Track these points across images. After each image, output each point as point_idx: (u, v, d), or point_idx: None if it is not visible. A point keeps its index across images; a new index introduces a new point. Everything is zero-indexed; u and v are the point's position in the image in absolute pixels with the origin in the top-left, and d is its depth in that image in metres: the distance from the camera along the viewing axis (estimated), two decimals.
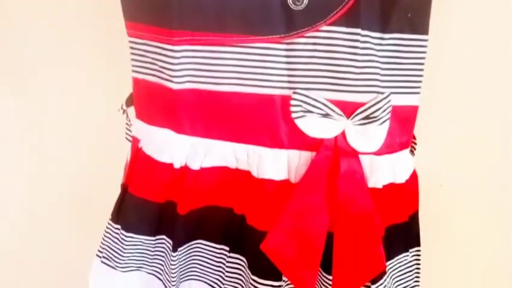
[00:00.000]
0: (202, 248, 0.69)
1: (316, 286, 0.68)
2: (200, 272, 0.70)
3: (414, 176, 0.70)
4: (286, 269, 0.62)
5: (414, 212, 0.72)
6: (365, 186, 0.63)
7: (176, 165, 0.64)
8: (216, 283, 0.70)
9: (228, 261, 0.68)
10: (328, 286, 0.66)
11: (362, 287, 0.65)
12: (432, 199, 0.87)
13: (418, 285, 0.74)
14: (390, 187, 0.66)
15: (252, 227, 0.64)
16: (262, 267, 0.64)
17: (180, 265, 0.68)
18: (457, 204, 0.92)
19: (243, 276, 0.67)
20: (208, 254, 0.69)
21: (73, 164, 0.99)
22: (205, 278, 0.70)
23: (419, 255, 0.74)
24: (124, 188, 0.69)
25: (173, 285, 0.68)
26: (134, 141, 0.70)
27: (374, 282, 0.65)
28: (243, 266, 0.67)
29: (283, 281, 0.66)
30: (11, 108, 0.97)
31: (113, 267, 0.70)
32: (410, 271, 0.73)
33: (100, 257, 0.71)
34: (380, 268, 0.64)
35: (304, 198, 0.62)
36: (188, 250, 0.69)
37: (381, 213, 0.65)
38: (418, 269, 0.74)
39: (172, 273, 0.67)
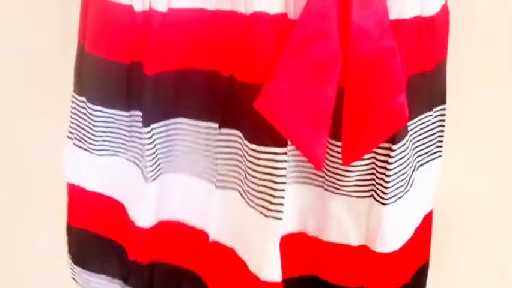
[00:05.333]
0: (184, 129, 0.58)
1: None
2: (184, 161, 0.60)
3: (445, 10, 0.60)
4: (288, 131, 0.52)
5: (443, 59, 0.62)
6: (386, 19, 0.51)
7: (137, 7, 0.53)
8: (206, 172, 0.59)
9: (218, 140, 0.57)
10: (337, 155, 0.57)
11: (381, 150, 0.57)
12: None
13: (441, 151, 0.66)
14: (416, 22, 0.55)
15: (244, 83, 0.53)
16: (261, 132, 0.53)
17: (159, 152, 0.58)
18: None
19: (240, 155, 0.56)
20: (192, 136, 0.58)
21: None
22: (192, 168, 0.60)
23: (444, 114, 0.66)
24: (80, 48, 0.59)
25: (151, 176, 0.58)
26: None
27: (394, 141, 0.56)
28: (238, 142, 0.56)
29: (289, 146, 0.56)
30: None
31: (87, 150, 0.61)
32: (433, 134, 0.65)
33: (72, 138, 0.63)
34: (402, 122, 0.55)
35: (308, 34, 0.50)
36: (166, 131, 0.58)
37: (404, 55, 0.55)
38: (442, 131, 0.66)
39: (148, 159, 0.57)
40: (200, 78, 0.55)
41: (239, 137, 0.56)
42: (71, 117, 0.63)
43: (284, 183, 0.54)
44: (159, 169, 0.59)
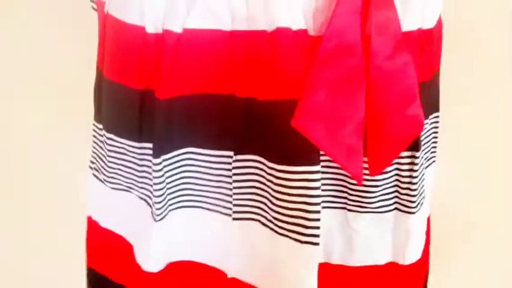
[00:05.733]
0: (195, 159, 0.54)
1: None
2: (195, 195, 0.55)
3: (440, 23, 0.61)
4: (328, 146, 0.50)
5: (438, 70, 0.64)
6: (399, 31, 0.52)
7: (149, 29, 0.50)
8: (219, 204, 0.54)
9: (234, 168, 0.53)
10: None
11: (403, 159, 0.57)
12: None
13: (435, 157, 0.67)
14: (418, 34, 0.57)
15: (268, 101, 0.50)
16: (292, 151, 0.50)
17: (168, 187, 0.53)
18: None
19: (261, 182, 0.53)
20: (203, 167, 0.54)
21: None
22: (204, 202, 0.55)
23: (437, 122, 0.67)
24: (99, 73, 0.56)
25: (159, 213, 0.53)
26: (100, 6, 0.55)
27: (418, 148, 0.56)
28: (257, 168, 0.53)
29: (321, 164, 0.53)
30: None
31: (102, 182, 0.59)
32: (428, 141, 0.66)
33: (92, 168, 0.61)
34: (419, 130, 0.55)
35: (336, 47, 0.49)
36: (175, 163, 0.54)
37: (414, 65, 0.55)
38: (435, 137, 0.67)
39: (157, 194, 0.52)
40: (214, 102, 0.51)
41: (259, 162, 0.52)
42: (92, 145, 0.60)
43: (319, 204, 0.51)
44: (167, 207, 0.54)
